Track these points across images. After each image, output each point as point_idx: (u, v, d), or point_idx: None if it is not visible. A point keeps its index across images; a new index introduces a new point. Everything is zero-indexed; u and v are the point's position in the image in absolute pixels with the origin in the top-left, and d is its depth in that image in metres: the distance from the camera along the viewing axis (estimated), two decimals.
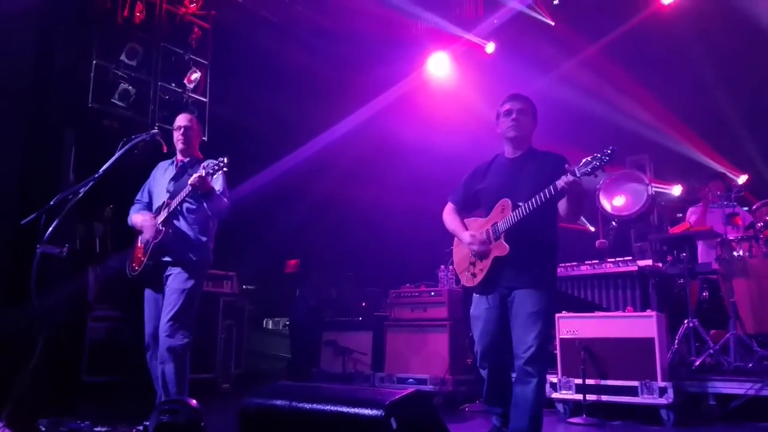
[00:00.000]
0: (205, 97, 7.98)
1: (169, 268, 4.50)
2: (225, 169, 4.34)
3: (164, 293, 4.48)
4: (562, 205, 3.76)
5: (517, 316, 3.77)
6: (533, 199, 3.64)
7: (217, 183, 4.54)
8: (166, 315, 4.37)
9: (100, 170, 3.97)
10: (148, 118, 7.31)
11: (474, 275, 3.95)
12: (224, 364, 7.59)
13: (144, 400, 4.55)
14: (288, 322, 9.27)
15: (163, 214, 4.51)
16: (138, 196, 4.92)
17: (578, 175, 3.47)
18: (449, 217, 4.20)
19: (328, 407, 2.55)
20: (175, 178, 4.70)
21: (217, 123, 7.95)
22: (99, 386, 6.42)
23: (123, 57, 7.17)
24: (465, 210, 4.20)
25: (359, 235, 9.84)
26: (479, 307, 3.97)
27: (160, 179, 4.81)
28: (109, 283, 6.78)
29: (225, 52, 8.32)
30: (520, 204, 3.72)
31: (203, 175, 4.28)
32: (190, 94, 7.80)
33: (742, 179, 8.28)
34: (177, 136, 4.78)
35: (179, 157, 4.83)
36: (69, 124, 6.85)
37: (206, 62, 8.06)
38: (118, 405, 5.73)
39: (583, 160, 3.50)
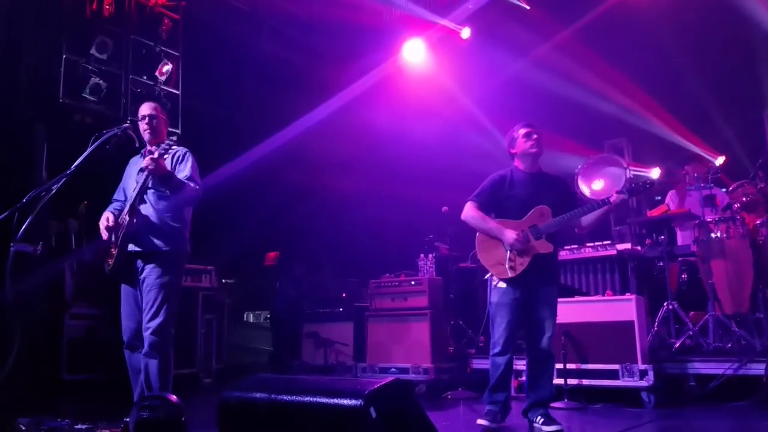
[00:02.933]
0: (178, 89, 7.89)
1: (143, 261, 4.35)
2: (174, 148, 4.32)
3: (141, 288, 4.35)
4: (589, 218, 4.50)
5: (546, 308, 4.46)
6: (583, 207, 4.46)
7: (185, 169, 4.43)
8: (147, 313, 4.25)
9: (72, 166, 3.90)
10: (120, 111, 7.23)
11: (513, 268, 4.42)
12: (205, 358, 7.57)
13: (124, 397, 4.51)
14: (269, 315, 9.22)
15: (128, 205, 4.35)
16: (114, 195, 4.75)
17: (627, 195, 4.43)
18: (479, 215, 4.62)
19: (307, 398, 2.53)
20: (143, 169, 4.40)
21: (190, 114, 7.87)
22: (79, 384, 6.38)
23: (93, 51, 7.08)
24: (485, 211, 4.65)
25: (337, 225, 9.80)
26: (507, 296, 4.46)
27: (132, 173, 4.60)
28: (87, 281, 6.73)
29: (196, 43, 8.23)
30: (569, 211, 4.44)
31: (155, 157, 4.14)
32: (162, 87, 7.71)
33: (719, 161, 8.32)
34: (143, 126, 4.58)
35: (148, 147, 4.59)
36: (40, 119, 6.78)
37: (177, 54, 7.97)
38: (98, 402, 5.69)
39: (628, 186, 4.60)
